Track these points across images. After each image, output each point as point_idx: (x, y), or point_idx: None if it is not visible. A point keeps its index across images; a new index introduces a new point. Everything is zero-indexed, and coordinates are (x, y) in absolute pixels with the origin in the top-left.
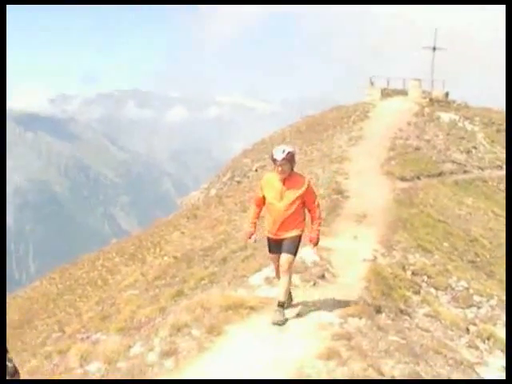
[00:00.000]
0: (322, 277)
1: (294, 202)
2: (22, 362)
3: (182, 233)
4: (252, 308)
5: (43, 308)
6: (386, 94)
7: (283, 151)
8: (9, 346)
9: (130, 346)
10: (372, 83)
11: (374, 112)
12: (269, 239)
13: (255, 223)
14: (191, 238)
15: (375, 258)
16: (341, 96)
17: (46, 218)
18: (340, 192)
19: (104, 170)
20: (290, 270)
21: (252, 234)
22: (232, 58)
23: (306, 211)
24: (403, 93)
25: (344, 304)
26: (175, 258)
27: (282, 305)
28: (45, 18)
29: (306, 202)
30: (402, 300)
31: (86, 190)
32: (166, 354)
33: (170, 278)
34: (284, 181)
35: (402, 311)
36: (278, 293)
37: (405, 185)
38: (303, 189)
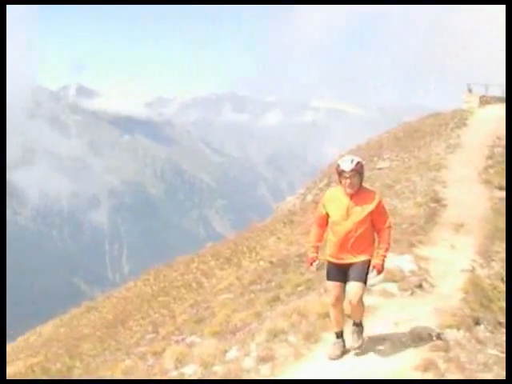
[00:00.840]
0: (420, 286)
1: (362, 220)
2: (116, 361)
3: (278, 238)
4: (349, 316)
5: (137, 308)
6: (485, 101)
7: (352, 161)
8: (103, 344)
9: (225, 350)
10: (470, 90)
11: (472, 119)
12: (330, 263)
13: (318, 247)
14: (287, 244)
15: (473, 268)
16: (436, 102)
17: (140, 220)
18: (438, 200)
19: (200, 173)
20: (361, 302)
21: (314, 260)
22: (326, 61)
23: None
24: (502, 100)
25: (442, 315)
26: (271, 263)
27: (358, 324)
28: (145, 21)
29: (375, 221)
30: (501, 312)
31: (181, 193)
32: (263, 360)
33: (266, 283)
34: (351, 196)
35: (500, 324)
36: (352, 316)
37: (503, 194)
38: (373, 205)
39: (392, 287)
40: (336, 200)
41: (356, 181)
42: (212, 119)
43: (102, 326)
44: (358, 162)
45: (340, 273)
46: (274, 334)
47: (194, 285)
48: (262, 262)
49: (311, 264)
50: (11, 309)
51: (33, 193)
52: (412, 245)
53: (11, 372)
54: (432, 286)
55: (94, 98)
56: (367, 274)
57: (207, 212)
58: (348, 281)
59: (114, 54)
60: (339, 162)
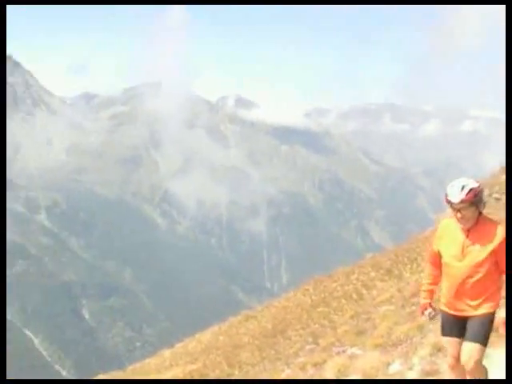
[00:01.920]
0: None
1: (482, 262)
2: (276, 370)
3: None
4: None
5: (297, 318)
6: None
7: (462, 188)
8: (262, 353)
9: (388, 363)
10: None
11: None
12: (444, 314)
13: (432, 291)
14: None
15: None
16: None
17: (299, 230)
18: None
19: (359, 183)
20: (479, 368)
21: (426, 308)
22: (483, 67)
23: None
24: None
25: None
26: None
27: None
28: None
29: (501, 262)
30: None
31: (340, 204)
32: (427, 374)
33: None
34: (468, 231)
35: None
36: None
37: None
38: (496, 242)
39: None
40: (449, 235)
41: (470, 214)
42: (371, 129)
43: (260, 335)
44: (471, 190)
45: (458, 326)
46: (438, 349)
47: (354, 296)
48: (423, 274)
49: (422, 312)
50: (170, 316)
51: (191, 202)
52: None
53: (169, 377)
54: None
55: (252, 108)
56: (489, 331)
57: (366, 223)
58: (464, 338)
59: (271, 65)
60: (448, 188)
